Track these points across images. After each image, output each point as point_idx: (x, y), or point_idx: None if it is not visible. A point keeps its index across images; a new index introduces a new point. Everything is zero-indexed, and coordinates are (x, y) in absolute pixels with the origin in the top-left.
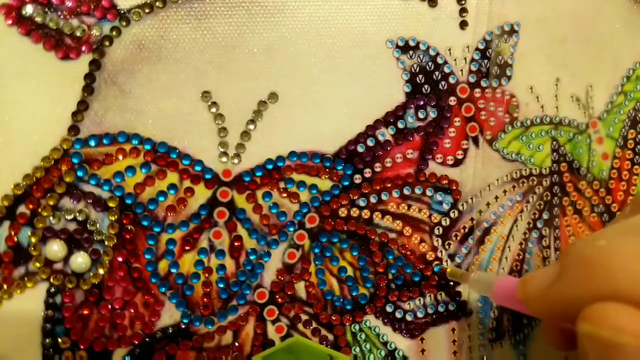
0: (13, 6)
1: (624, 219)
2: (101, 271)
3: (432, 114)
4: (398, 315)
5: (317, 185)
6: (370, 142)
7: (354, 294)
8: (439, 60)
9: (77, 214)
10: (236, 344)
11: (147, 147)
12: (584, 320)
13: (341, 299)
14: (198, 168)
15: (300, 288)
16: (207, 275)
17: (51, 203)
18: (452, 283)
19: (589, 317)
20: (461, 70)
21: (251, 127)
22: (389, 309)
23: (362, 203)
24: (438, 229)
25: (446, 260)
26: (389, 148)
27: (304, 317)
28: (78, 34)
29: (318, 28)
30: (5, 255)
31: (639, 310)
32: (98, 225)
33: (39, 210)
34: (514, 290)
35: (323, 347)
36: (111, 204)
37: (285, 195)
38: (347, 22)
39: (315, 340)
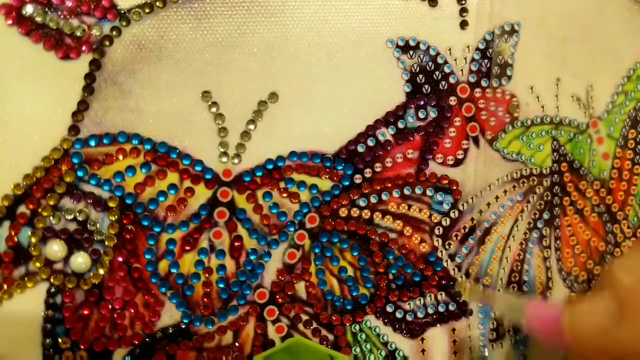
0: (13, 6)
1: None
2: (101, 271)
3: (433, 114)
4: (398, 315)
5: (317, 185)
6: (370, 142)
7: (354, 294)
8: (439, 60)
9: (78, 214)
10: (236, 344)
11: (147, 147)
12: None
13: (341, 299)
14: (198, 168)
15: (301, 288)
16: (207, 275)
17: (51, 203)
18: (452, 283)
19: None
20: (461, 70)
21: (251, 127)
22: (389, 309)
23: (362, 203)
24: (438, 229)
25: (461, 276)
26: (389, 148)
27: (304, 317)
28: (78, 33)
29: (318, 28)
30: (5, 255)
31: None
32: (98, 225)
33: (39, 210)
34: (553, 320)
35: (323, 348)
36: (111, 204)
37: (285, 195)
38: (348, 22)
39: (315, 341)
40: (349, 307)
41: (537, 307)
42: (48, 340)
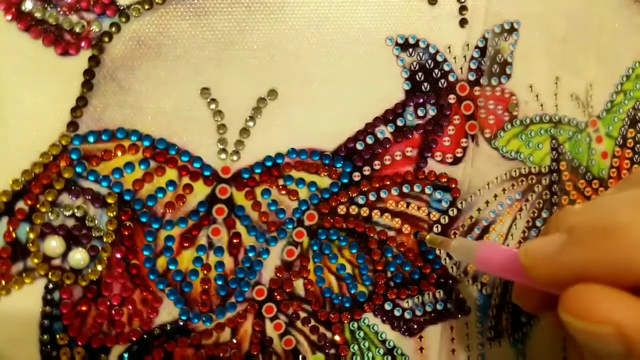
0: (12, 2)
1: (630, 187)
2: (99, 267)
3: (432, 112)
4: (397, 313)
5: (316, 183)
6: (369, 140)
7: (352, 292)
8: (439, 58)
9: (76, 210)
10: (234, 341)
11: (146, 143)
12: (563, 307)
13: (340, 297)
14: (197, 165)
15: (299, 285)
16: (205, 272)
17: (50, 199)
18: (450, 281)
19: (567, 304)
20: (461, 68)
21: (250, 124)
22: (387, 307)
23: (361, 201)
24: (437, 227)
25: (429, 231)
26: (388, 146)
27: (302, 314)
28: (77, 29)
29: (318, 25)
30: (3, 251)
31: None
32: (96, 221)
33: (38, 206)
34: (499, 256)
35: None
36: (110, 200)
37: (284, 192)
38: (347, 19)
39: (313, 338)
40: (347, 305)
41: (485, 246)
42: (46, 337)
